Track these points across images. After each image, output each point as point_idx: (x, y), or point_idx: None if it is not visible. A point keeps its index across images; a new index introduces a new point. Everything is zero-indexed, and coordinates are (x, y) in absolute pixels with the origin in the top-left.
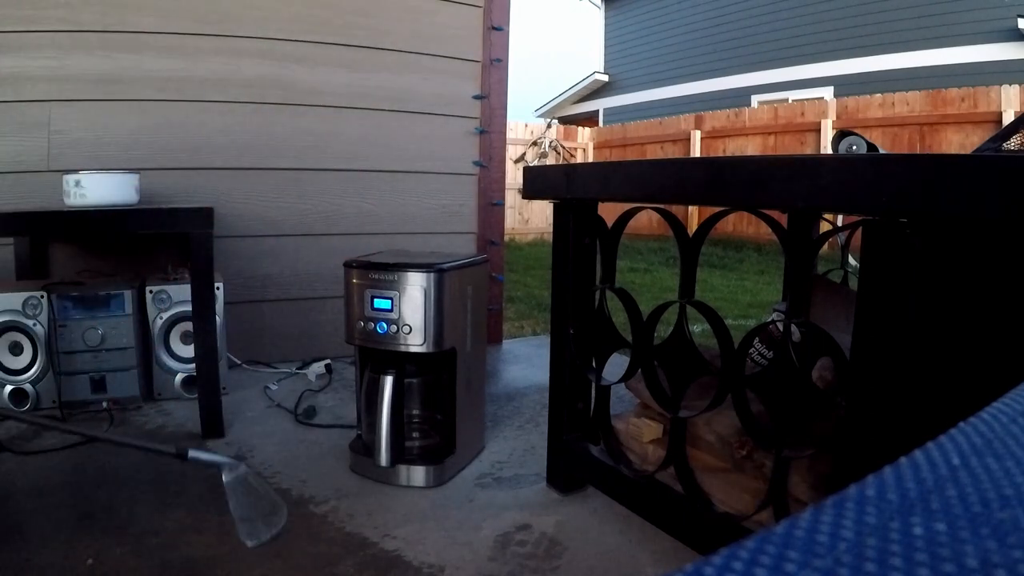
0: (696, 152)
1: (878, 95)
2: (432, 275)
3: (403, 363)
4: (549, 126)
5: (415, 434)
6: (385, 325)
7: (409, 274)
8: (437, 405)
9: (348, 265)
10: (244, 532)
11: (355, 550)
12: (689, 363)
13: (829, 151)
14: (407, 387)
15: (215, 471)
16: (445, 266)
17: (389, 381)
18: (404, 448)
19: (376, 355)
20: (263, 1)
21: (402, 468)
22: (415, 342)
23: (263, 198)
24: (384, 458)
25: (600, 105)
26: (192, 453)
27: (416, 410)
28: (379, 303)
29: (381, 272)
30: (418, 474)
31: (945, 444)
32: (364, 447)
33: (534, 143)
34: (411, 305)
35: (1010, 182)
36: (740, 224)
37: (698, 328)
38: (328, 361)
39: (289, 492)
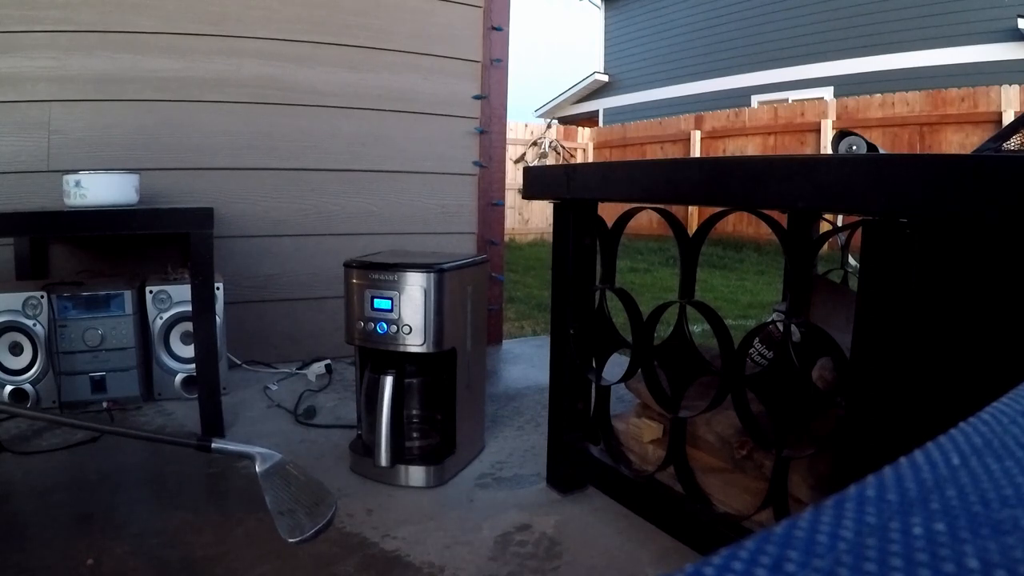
0: (696, 152)
1: (878, 95)
2: (432, 275)
3: (403, 363)
4: (549, 126)
5: (415, 434)
6: (385, 325)
7: (409, 274)
8: (437, 405)
9: (348, 265)
10: (284, 528)
11: (355, 550)
12: (689, 363)
13: (829, 151)
14: (407, 387)
15: (229, 465)
16: (445, 266)
17: (389, 381)
18: (404, 448)
19: (376, 355)
20: (263, 1)
21: (402, 468)
22: (415, 342)
23: (263, 198)
24: (384, 458)
25: (600, 105)
26: (216, 444)
27: (416, 410)
28: (379, 303)
29: (381, 272)
30: (418, 474)
31: (945, 444)
32: (364, 447)
33: (534, 143)
34: (411, 305)
35: (1010, 182)
36: (740, 224)
37: (698, 328)
38: (328, 361)
39: None
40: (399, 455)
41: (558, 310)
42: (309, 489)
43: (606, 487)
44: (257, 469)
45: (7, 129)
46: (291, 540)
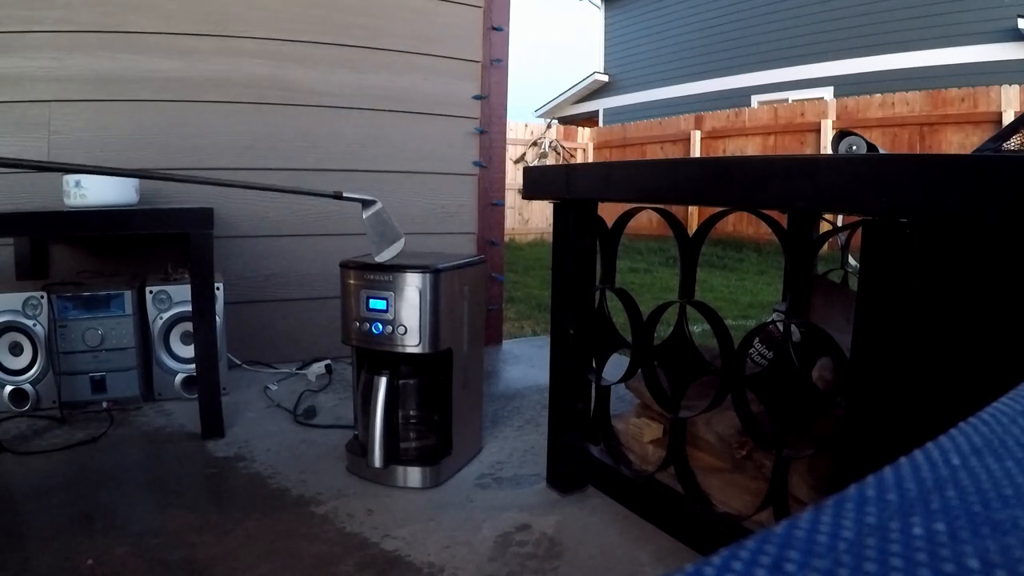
0: (696, 152)
1: (878, 95)
2: (428, 276)
3: (398, 364)
4: (549, 126)
5: (411, 435)
6: (381, 325)
7: (405, 275)
8: (433, 406)
9: (344, 265)
10: (375, 251)
11: (355, 550)
12: (689, 363)
13: (829, 151)
14: (403, 388)
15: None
16: (441, 267)
17: (383, 382)
18: (399, 449)
19: (372, 356)
20: (263, 1)
21: (399, 469)
22: (411, 343)
23: (263, 198)
24: (377, 459)
25: (600, 105)
26: (346, 194)
27: (412, 411)
28: (374, 303)
29: (376, 272)
30: (414, 475)
31: (945, 444)
32: (360, 448)
33: (534, 143)
34: (407, 306)
35: (1010, 182)
36: (740, 224)
37: (698, 328)
38: (328, 361)
39: (289, 492)
40: (393, 456)
41: (558, 310)
42: (392, 228)
43: (606, 487)
44: (363, 215)
45: (7, 129)
46: (379, 260)
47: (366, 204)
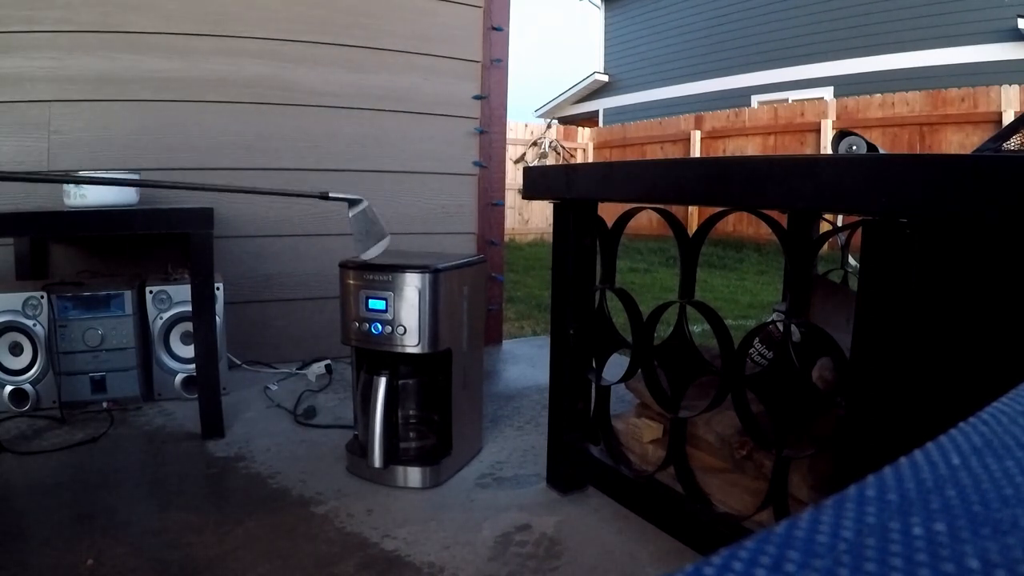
0: (696, 152)
1: (878, 95)
2: (427, 276)
3: (398, 364)
4: (549, 126)
5: (411, 435)
6: (380, 326)
7: (404, 275)
8: (433, 406)
9: (343, 265)
10: (360, 249)
11: (355, 550)
12: (689, 363)
13: (829, 151)
14: (402, 388)
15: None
16: (440, 267)
17: (382, 382)
18: (399, 449)
19: (371, 356)
20: (263, 1)
21: (398, 469)
22: (410, 343)
23: (263, 198)
24: (377, 459)
25: (600, 105)
26: (332, 194)
27: (412, 411)
28: (374, 304)
29: (376, 273)
30: (414, 475)
31: (945, 444)
32: (360, 448)
33: (534, 143)
34: (406, 306)
35: (1010, 182)
36: (740, 224)
37: (698, 328)
38: (328, 361)
39: (289, 492)
40: (393, 456)
41: (558, 310)
42: (378, 225)
43: (606, 487)
44: (349, 213)
45: (7, 129)
46: (363, 257)
47: (352, 203)
